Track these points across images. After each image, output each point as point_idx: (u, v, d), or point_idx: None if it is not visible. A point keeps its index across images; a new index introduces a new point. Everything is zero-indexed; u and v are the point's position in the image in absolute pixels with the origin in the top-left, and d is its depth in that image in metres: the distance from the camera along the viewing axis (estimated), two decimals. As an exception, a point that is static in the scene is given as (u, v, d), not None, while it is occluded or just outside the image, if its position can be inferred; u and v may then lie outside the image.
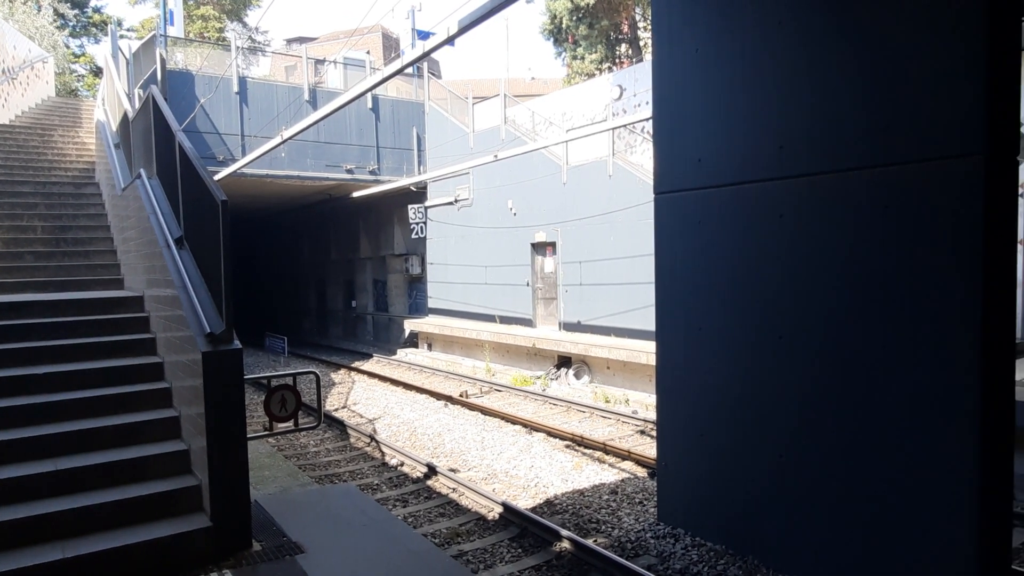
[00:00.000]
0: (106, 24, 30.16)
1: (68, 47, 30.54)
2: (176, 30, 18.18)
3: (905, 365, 4.51)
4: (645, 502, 7.22)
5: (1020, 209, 8.69)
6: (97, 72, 30.18)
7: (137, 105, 9.34)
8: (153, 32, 16.86)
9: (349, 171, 18.32)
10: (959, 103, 4.20)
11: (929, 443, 4.40)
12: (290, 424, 5.33)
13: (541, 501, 7.43)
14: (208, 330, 4.30)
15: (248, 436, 4.43)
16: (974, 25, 4.13)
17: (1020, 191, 8.29)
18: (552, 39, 26.18)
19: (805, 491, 5.11)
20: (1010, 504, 4.56)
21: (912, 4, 4.42)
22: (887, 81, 4.55)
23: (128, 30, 32.28)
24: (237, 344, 4.33)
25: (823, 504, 5.00)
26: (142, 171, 6.84)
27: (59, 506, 4.12)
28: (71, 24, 31.30)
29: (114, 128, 9.96)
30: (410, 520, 6.95)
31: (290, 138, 11.39)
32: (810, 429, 5.07)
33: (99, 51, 31.91)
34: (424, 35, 16.06)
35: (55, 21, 29.25)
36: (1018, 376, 4.89)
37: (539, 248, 15.99)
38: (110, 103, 10.99)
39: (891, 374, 4.58)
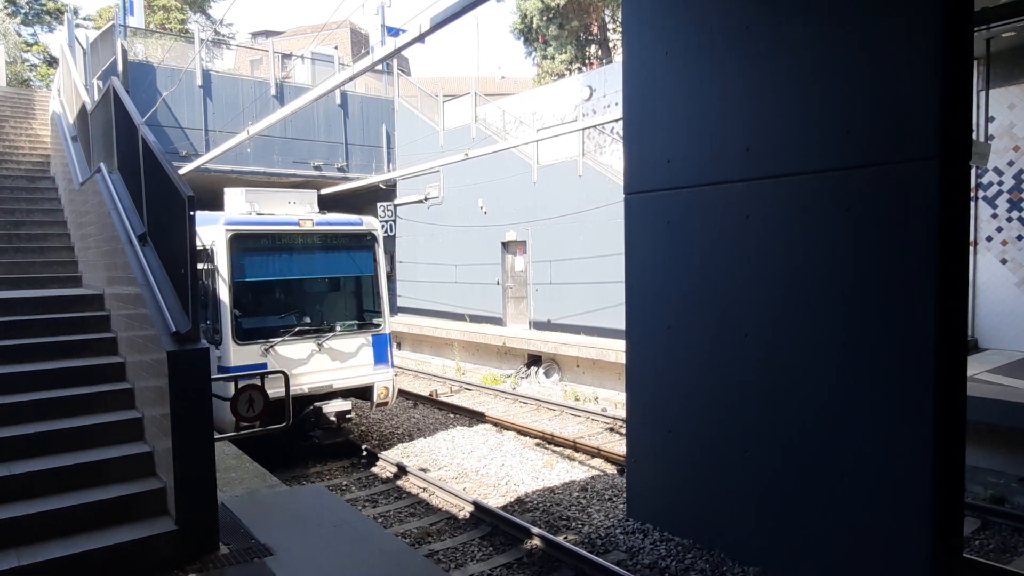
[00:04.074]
0: (61, 12, 29.10)
1: (20, 35, 29.36)
2: (136, 20, 17.63)
3: (864, 362, 4.66)
4: (615, 498, 7.31)
5: (971, 212, 9.02)
6: (51, 62, 29.09)
7: (96, 97, 9.04)
8: (112, 22, 16.34)
9: (317, 168, 18.07)
10: (916, 108, 4.36)
11: (886, 437, 4.55)
12: (257, 425, 5.23)
13: (512, 499, 7.45)
14: (173, 329, 4.19)
15: (215, 437, 4.34)
16: (931, 34, 4.29)
17: (971, 194, 8.60)
18: (522, 39, 26.20)
19: (770, 485, 5.24)
20: (961, 495, 4.75)
21: (872, 14, 4.57)
22: (849, 86, 4.69)
23: (84, 19, 31.19)
24: (204, 343, 4.24)
25: (787, 497, 5.13)
26: (102, 165, 6.63)
27: (14, 512, 3.96)
28: (23, 11, 30.09)
29: (71, 120, 9.63)
30: (381, 520, 6.90)
31: (256, 133, 11.17)
32: (775, 425, 5.20)
33: (53, 40, 30.75)
34: (394, 32, 15.91)
35: (6, 8, 28.11)
36: (969, 372, 5.10)
37: (509, 247, 16.02)
38: (66, 94, 10.61)
39: (851, 370, 4.73)
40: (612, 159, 14.06)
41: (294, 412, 7.99)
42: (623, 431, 8.35)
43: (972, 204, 9.75)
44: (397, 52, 7.24)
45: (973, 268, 9.64)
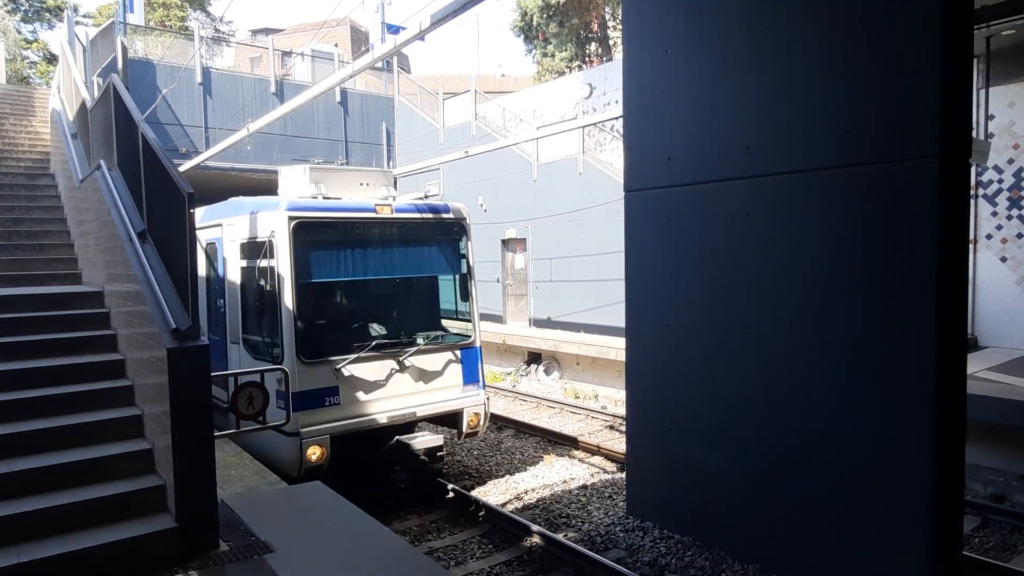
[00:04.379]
0: (61, 9, 29.07)
1: (20, 33, 29.34)
2: (136, 18, 17.62)
3: (865, 360, 4.66)
4: (614, 496, 7.31)
5: (971, 210, 8.99)
6: (51, 59, 29.07)
7: (96, 94, 9.04)
8: (112, 19, 16.32)
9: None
10: (916, 107, 4.36)
11: (887, 435, 4.55)
12: (258, 422, 5.23)
13: (511, 497, 7.46)
14: (173, 326, 4.19)
15: (215, 434, 4.34)
16: (931, 32, 4.28)
17: (971, 192, 8.57)
18: (523, 36, 26.18)
19: (770, 483, 5.24)
20: (961, 492, 4.75)
21: (873, 12, 4.56)
22: (850, 84, 4.68)
23: (84, 16, 31.17)
24: (204, 340, 4.23)
25: (787, 495, 5.13)
26: (102, 162, 6.62)
27: (13, 509, 3.96)
28: (23, 9, 30.06)
29: (71, 118, 9.62)
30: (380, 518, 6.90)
31: (256, 131, 11.16)
32: (775, 423, 5.20)
33: (53, 37, 30.74)
34: (394, 29, 15.90)
35: (6, 5, 28.09)
36: (969, 370, 5.10)
37: (509, 244, 16.01)
38: (66, 91, 10.60)
39: (851, 368, 4.73)
40: (612, 157, 14.05)
41: (372, 448, 6.79)
42: (623, 429, 8.35)
43: (972, 202, 9.75)
44: (397, 50, 7.23)
45: (973, 266, 9.64)
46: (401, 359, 6.74)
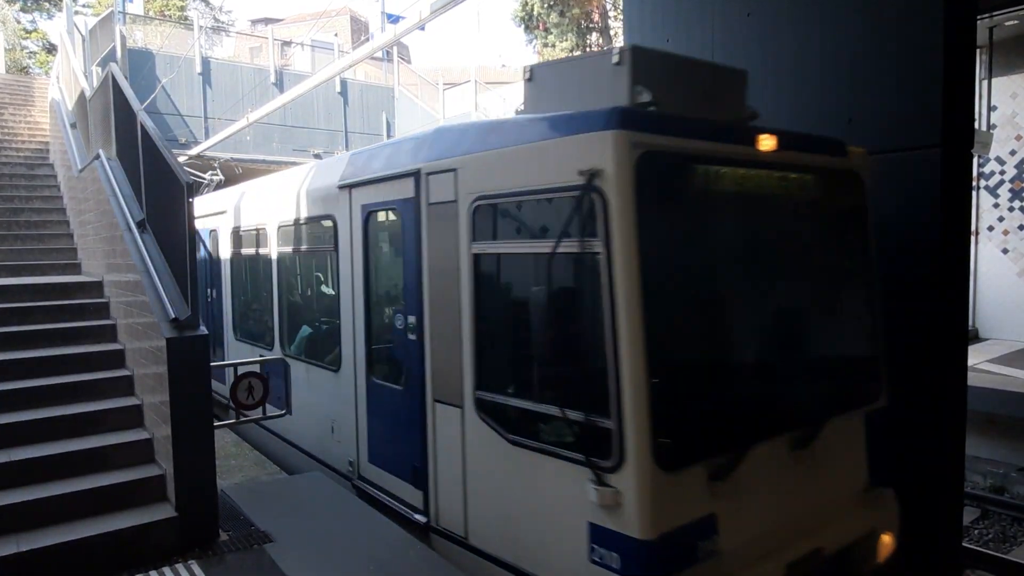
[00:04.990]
0: (59, -1, 28.93)
1: (19, 22, 29.22)
2: (135, 7, 17.56)
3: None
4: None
5: (972, 201, 8.93)
6: (50, 49, 28.96)
7: (95, 84, 9.01)
8: (111, 9, 16.23)
9: (317, 155, 17.97)
10: (919, 97, 4.33)
11: (887, 427, 4.54)
12: (258, 412, 5.24)
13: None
14: (172, 315, 4.19)
15: (214, 424, 4.34)
16: (934, 22, 4.24)
17: (973, 183, 8.51)
18: (523, 26, 26.04)
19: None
20: (961, 484, 4.76)
21: (875, 3, 4.52)
22: (852, 75, 4.65)
23: (84, 6, 31.01)
24: (203, 330, 4.23)
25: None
26: (101, 152, 6.60)
27: (14, 498, 3.97)
28: (22, -2, 29.93)
29: (70, 107, 9.59)
30: (380, 508, 6.91)
31: (256, 121, 11.13)
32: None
33: (52, 27, 30.60)
34: (394, 18, 15.81)
35: (4, -5, 27.96)
36: (969, 362, 5.09)
37: (510, 236, 15.94)
38: (65, 81, 10.56)
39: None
40: (613, 148, 14.00)
41: None
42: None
43: (974, 193, 9.72)
44: (397, 39, 7.20)
45: (974, 258, 9.63)
46: (798, 442, 3.59)
